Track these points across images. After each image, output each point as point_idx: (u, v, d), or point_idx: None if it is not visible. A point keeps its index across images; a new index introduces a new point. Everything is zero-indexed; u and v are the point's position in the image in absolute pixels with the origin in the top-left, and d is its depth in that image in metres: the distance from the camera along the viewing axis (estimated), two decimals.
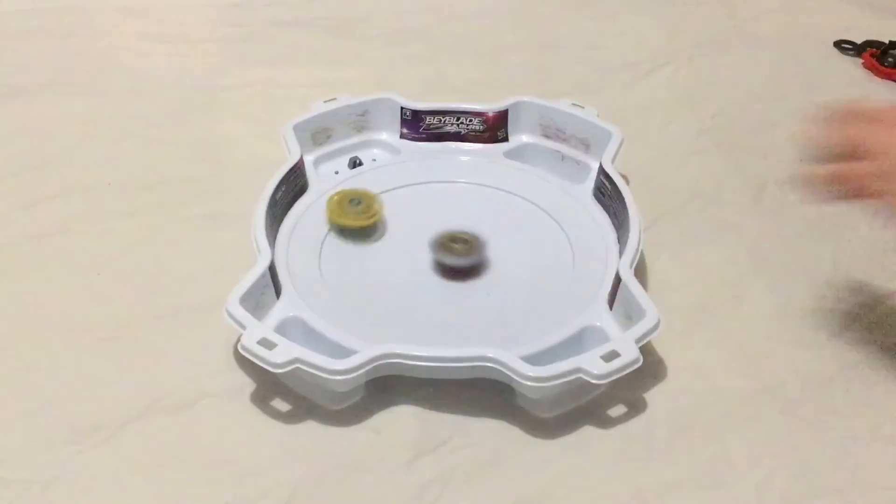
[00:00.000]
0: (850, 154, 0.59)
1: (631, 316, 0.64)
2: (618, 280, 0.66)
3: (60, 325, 0.70)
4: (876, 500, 0.59)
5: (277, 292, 0.67)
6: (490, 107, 0.84)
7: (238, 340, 0.61)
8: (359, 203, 0.74)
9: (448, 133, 0.84)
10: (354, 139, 0.84)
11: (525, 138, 0.85)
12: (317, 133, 0.82)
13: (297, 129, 0.80)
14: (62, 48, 1.04)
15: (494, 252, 0.75)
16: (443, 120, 0.84)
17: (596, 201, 0.78)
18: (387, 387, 0.64)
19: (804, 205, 0.71)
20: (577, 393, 0.64)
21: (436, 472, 0.60)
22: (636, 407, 0.64)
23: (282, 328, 0.64)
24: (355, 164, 0.83)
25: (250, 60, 1.04)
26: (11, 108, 0.94)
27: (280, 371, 0.60)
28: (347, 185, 0.78)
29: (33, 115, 0.94)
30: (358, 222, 0.74)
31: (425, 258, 0.74)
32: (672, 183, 0.86)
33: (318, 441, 0.62)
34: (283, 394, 0.64)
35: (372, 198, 0.75)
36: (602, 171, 0.77)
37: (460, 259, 0.71)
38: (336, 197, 0.75)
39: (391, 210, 0.78)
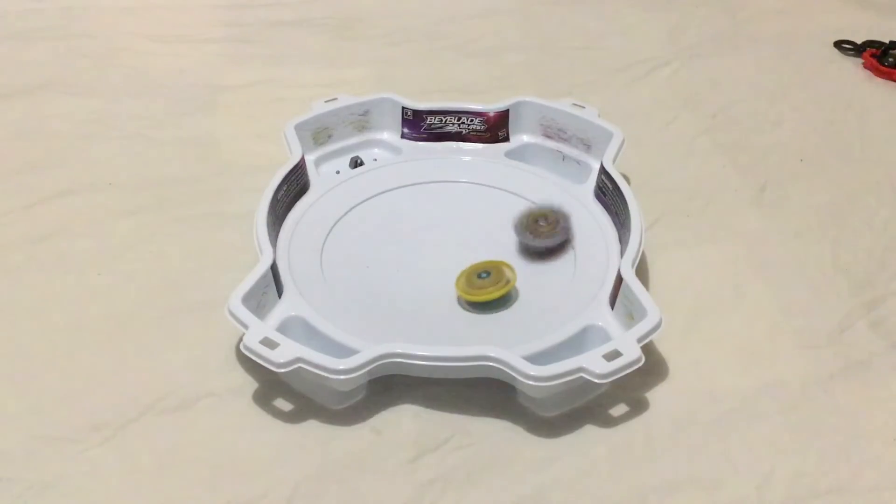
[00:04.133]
0: None
1: (633, 315, 0.64)
2: (619, 279, 0.66)
3: (60, 325, 0.70)
4: (876, 500, 0.59)
5: (279, 292, 0.67)
6: (491, 107, 0.84)
7: (240, 340, 0.61)
8: (487, 275, 0.70)
9: (449, 133, 0.84)
10: (355, 139, 0.84)
11: (526, 138, 0.85)
12: (318, 133, 0.82)
13: (299, 128, 0.80)
14: (62, 48, 1.04)
15: (495, 252, 0.75)
16: (444, 120, 0.84)
17: (597, 201, 0.78)
18: (388, 386, 0.64)
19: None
20: (578, 392, 0.64)
21: (437, 472, 0.60)
22: (637, 406, 0.64)
23: (284, 328, 0.64)
24: (356, 163, 0.83)
25: (250, 60, 1.04)
26: (11, 108, 0.95)
27: (282, 371, 0.60)
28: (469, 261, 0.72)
29: (33, 115, 0.94)
30: (493, 294, 0.69)
31: (426, 257, 0.74)
32: (672, 183, 0.86)
33: (320, 440, 0.62)
34: (285, 393, 0.64)
35: (497, 266, 0.71)
36: (603, 170, 0.77)
37: (546, 240, 0.69)
38: (463, 277, 0.70)
39: (391, 210, 0.78)
